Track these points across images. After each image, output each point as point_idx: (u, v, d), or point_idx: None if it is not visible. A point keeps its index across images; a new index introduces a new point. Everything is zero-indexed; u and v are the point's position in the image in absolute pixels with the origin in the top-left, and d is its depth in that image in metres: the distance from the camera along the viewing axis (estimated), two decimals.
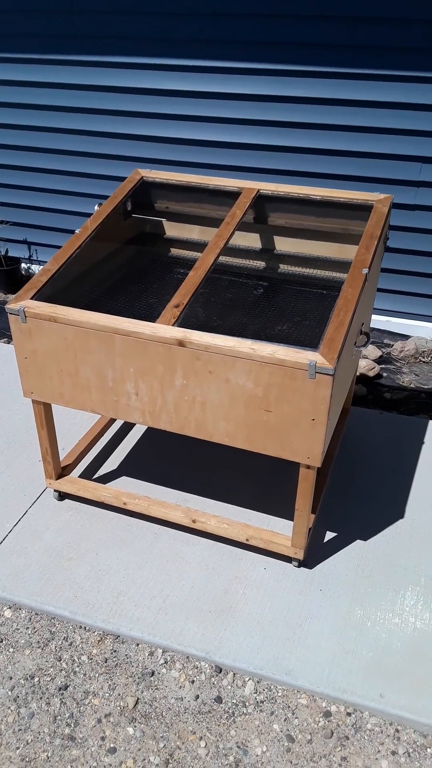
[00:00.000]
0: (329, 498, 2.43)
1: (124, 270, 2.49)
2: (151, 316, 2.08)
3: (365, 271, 1.96)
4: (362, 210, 2.31)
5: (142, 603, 2.03)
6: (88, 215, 3.93)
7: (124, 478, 2.52)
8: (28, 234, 4.24)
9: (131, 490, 2.45)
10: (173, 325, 1.84)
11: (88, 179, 3.87)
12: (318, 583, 2.10)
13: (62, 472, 2.38)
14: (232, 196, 2.43)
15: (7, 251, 4.14)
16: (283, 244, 2.51)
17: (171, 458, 2.63)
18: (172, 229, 2.65)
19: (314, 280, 2.47)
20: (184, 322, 1.88)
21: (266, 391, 1.77)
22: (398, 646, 1.91)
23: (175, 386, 1.88)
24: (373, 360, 3.44)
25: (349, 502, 2.42)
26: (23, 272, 4.35)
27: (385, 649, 1.91)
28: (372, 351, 3.49)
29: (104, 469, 2.56)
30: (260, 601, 2.04)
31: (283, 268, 2.53)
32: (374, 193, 2.31)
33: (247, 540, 2.13)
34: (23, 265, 4.34)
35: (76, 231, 2.27)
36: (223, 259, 2.61)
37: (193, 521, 2.18)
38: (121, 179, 3.77)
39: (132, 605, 2.03)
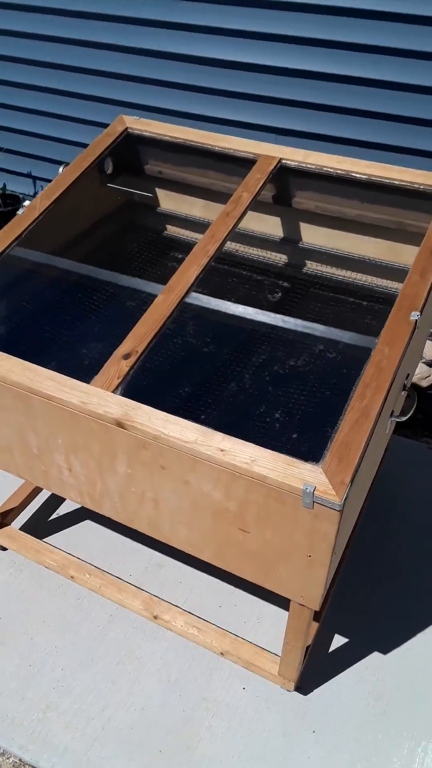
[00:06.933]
0: (347, 577, 1.86)
1: (88, 266, 1.86)
2: (102, 357, 1.48)
3: (415, 316, 1.29)
4: (428, 199, 1.58)
5: (75, 725, 1.56)
6: None
7: (86, 523, 2.00)
8: (32, 166, 3.58)
9: (90, 545, 1.93)
10: (114, 390, 1.23)
11: (99, 104, 3.14)
12: (312, 720, 1.57)
13: (2, 521, 1.88)
14: (245, 164, 1.73)
15: (4, 186, 3.50)
16: (311, 236, 1.82)
17: None
18: (169, 202, 1.98)
19: (350, 290, 1.79)
20: (132, 385, 1.27)
21: (242, 508, 1.18)
22: None
23: (117, 473, 1.30)
24: (428, 363, 2.73)
25: (371, 586, 1.84)
26: None
27: None
28: (428, 349, 2.77)
29: (62, 510, 2.04)
30: (229, 742, 1.53)
31: (309, 268, 1.85)
32: None
33: (221, 654, 1.61)
34: (26, 203, 3.71)
35: (19, 211, 1.64)
36: (225, 248, 1.94)
37: (155, 617, 1.66)
38: (134, 106, 3.03)
39: (61, 727, 1.56)
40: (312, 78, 2.56)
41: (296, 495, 1.08)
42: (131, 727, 1.56)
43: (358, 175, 1.62)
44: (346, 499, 1.05)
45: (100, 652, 1.69)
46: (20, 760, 1.53)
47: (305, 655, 1.59)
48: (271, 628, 1.74)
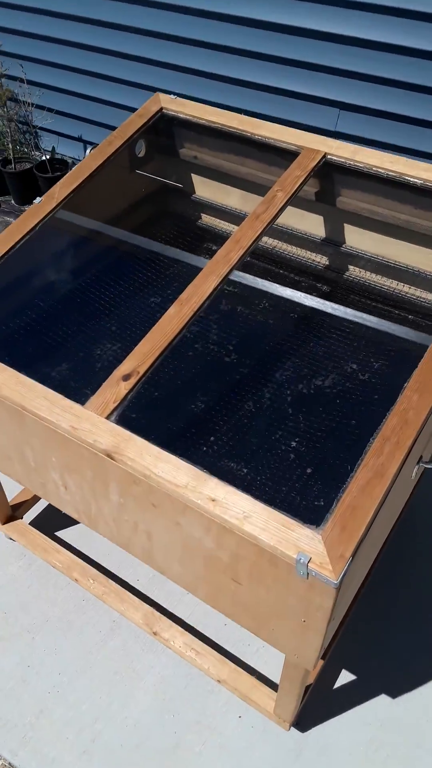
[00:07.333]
0: (363, 606, 1.74)
1: (112, 256, 1.75)
2: (110, 365, 1.38)
3: None
4: None
5: (66, 735, 1.53)
6: None
7: None
8: (83, 129, 3.45)
9: (102, 543, 1.88)
10: (109, 416, 1.14)
11: (156, 68, 2.96)
12: (306, 762, 1.49)
13: (13, 514, 1.85)
14: (287, 156, 1.56)
15: (53, 149, 3.39)
16: (355, 239, 1.64)
17: None
18: (204, 189, 1.84)
19: (393, 302, 1.61)
20: (129, 410, 1.17)
21: (233, 561, 1.08)
22: None
23: (110, 500, 1.22)
24: None
25: (388, 618, 1.73)
26: None
27: None
28: None
29: None
30: None
31: (351, 273, 1.68)
32: None
33: (218, 682, 1.54)
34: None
35: (36, 200, 1.54)
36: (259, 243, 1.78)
37: (154, 633, 1.60)
38: (191, 72, 2.84)
39: (52, 735, 1.54)
40: (385, 51, 2.31)
41: (289, 562, 0.97)
42: (121, 744, 1.52)
43: (412, 179, 1.43)
44: (344, 575, 0.93)
45: (99, 659, 1.66)
46: (9, 763, 1.52)
47: (305, 695, 1.50)
48: (275, 656, 1.65)
